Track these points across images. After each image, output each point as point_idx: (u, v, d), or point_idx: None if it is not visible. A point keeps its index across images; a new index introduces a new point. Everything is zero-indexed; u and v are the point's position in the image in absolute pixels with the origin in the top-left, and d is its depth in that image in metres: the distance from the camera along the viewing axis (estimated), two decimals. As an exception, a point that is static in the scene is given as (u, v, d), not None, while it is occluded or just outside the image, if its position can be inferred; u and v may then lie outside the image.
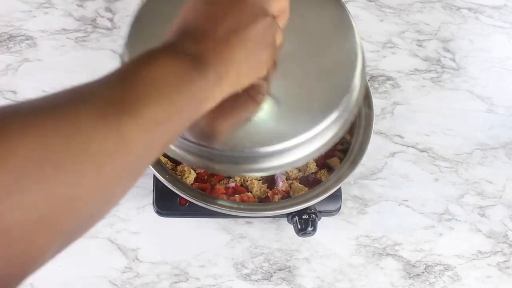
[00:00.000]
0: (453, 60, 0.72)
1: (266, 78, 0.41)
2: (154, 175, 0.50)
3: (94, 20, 0.70)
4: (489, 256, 0.60)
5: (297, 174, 0.57)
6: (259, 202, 0.55)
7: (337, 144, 0.47)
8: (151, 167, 0.48)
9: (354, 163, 0.52)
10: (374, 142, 0.65)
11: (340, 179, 0.51)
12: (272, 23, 0.36)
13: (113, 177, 0.26)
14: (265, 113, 0.42)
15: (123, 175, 0.27)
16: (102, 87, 0.27)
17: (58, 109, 0.24)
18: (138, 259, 0.56)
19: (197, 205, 0.48)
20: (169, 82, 0.29)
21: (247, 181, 0.56)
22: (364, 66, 0.50)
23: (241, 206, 0.47)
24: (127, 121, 0.26)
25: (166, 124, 0.29)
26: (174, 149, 0.46)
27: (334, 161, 0.57)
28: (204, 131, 0.41)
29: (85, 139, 0.24)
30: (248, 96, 0.41)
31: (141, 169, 0.29)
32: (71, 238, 0.26)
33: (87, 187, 0.25)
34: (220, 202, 0.47)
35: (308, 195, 0.51)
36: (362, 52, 0.49)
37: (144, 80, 0.28)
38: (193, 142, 0.42)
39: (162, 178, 0.48)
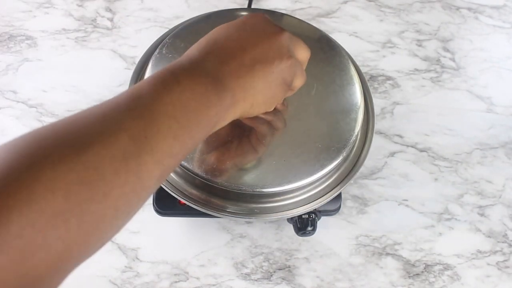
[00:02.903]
0: (453, 60, 0.72)
1: (270, 127, 0.44)
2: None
3: (94, 20, 0.70)
4: (489, 255, 0.60)
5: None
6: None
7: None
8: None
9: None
10: (374, 142, 0.65)
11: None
12: (296, 65, 0.38)
13: (126, 213, 0.28)
14: (270, 156, 0.44)
15: (134, 208, 0.29)
16: (126, 117, 0.28)
17: (83, 157, 0.25)
18: (138, 259, 0.57)
19: (197, 204, 0.48)
20: (189, 110, 0.30)
21: None
22: (372, 116, 0.51)
23: (239, 211, 0.48)
24: (147, 161, 0.27)
25: (179, 155, 0.30)
26: (177, 180, 0.47)
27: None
28: (209, 165, 0.43)
29: (107, 187, 0.26)
30: (250, 145, 0.43)
31: (148, 197, 0.30)
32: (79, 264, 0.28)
33: (104, 228, 0.27)
34: (218, 205, 0.48)
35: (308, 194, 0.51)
36: (368, 98, 0.50)
37: (166, 109, 0.29)
38: (198, 176, 0.43)
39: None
